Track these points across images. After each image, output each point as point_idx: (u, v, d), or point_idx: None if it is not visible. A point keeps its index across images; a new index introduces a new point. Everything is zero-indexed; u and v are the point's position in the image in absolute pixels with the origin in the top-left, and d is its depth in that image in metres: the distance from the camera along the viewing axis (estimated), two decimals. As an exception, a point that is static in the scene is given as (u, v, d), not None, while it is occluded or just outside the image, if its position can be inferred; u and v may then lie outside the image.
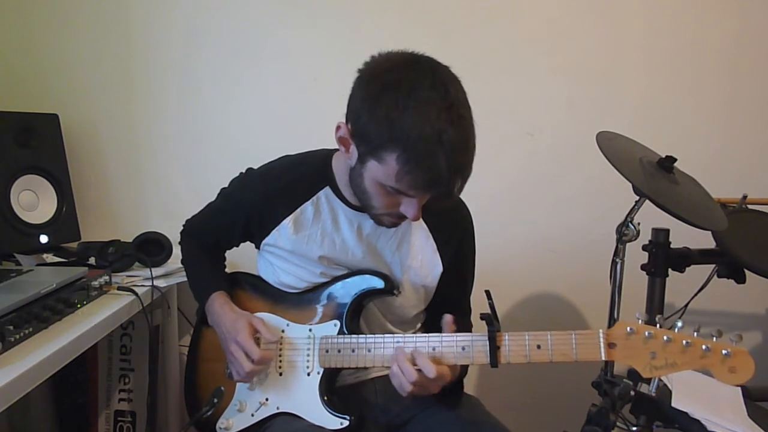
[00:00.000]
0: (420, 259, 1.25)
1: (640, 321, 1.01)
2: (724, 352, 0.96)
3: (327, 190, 1.22)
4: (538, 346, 1.04)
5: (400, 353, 1.08)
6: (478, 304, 1.34)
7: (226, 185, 1.35)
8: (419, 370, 1.05)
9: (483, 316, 1.06)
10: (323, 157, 1.24)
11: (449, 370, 1.07)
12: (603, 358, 1.01)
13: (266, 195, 1.24)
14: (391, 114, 0.96)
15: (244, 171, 1.32)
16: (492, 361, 1.05)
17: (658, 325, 1.01)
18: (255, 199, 1.26)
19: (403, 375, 1.05)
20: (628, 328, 1.00)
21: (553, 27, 1.95)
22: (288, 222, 1.23)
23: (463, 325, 1.33)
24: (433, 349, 1.09)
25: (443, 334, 1.10)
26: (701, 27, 1.94)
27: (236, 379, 1.23)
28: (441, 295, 1.29)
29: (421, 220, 1.23)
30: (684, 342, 0.98)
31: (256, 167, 1.31)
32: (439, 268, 1.26)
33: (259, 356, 1.17)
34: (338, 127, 1.07)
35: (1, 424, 1.82)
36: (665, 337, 0.98)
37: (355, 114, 1.03)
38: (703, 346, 0.97)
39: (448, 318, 1.10)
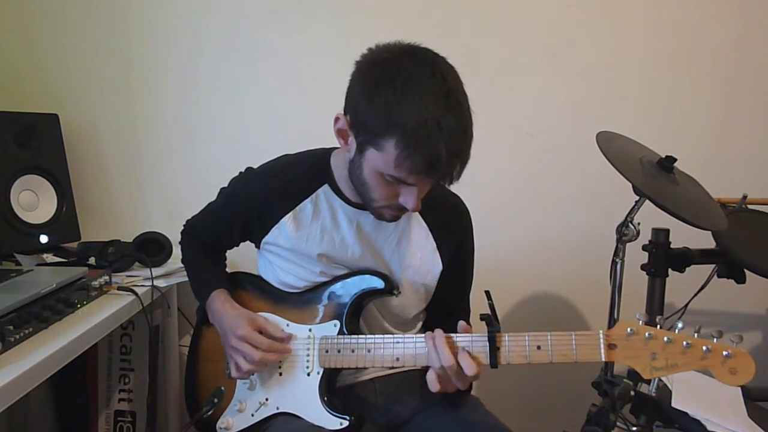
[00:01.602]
0: (419, 257, 1.25)
1: (640, 322, 1.01)
2: (724, 353, 0.96)
3: (326, 187, 1.23)
4: (538, 347, 1.04)
5: (439, 336, 1.07)
6: (477, 304, 1.34)
7: (226, 185, 1.35)
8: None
9: (483, 317, 1.06)
10: (322, 155, 1.25)
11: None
12: (603, 359, 1.01)
13: (265, 194, 1.25)
14: (390, 101, 0.97)
15: (243, 170, 1.33)
16: (492, 362, 1.05)
17: (658, 326, 1.01)
18: (254, 198, 1.26)
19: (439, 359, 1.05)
20: (629, 329, 1.00)
21: (553, 27, 1.95)
22: (287, 220, 1.23)
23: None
24: (434, 349, 1.09)
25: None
26: (701, 27, 1.94)
27: (235, 375, 1.22)
28: (440, 295, 1.29)
29: (420, 219, 1.24)
30: (684, 343, 0.97)
31: (255, 167, 1.31)
32: (439, 267, 1.26)
33: (267, 345, 1.17)
34: (336, 119, 1.07)
35: (1, 424, 1.82)
36: (666, 338, 0.98)
37: (354, 104, 1.03)
38: (704, 347, 0.96)
39: (462, 325, 1.09)
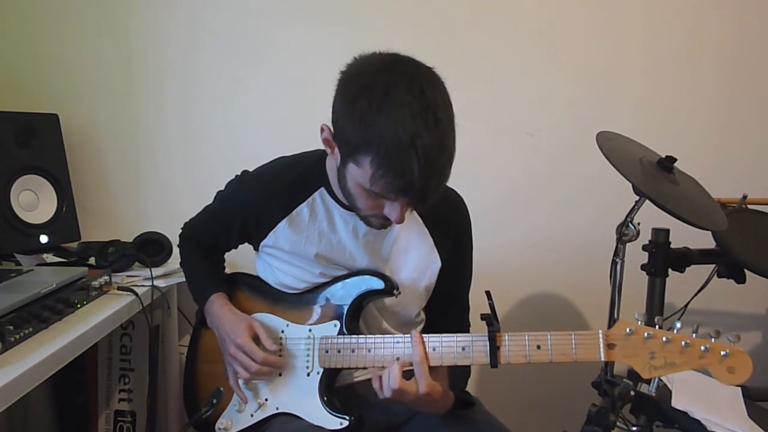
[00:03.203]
0: (417, 255, 1.25)
1: (639, 321, 1.01)
2: (722, 352, 0.96)
3: (322, 191, 1.22)
4: (538, 347, 1.04)
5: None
6: (477, 304, 1.33)
7: (223, 188, 1.35)
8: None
9: (483, 317, 1.06)
10: (318, 158, 1.24)
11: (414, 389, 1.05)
12: (602, 359, 1.01)
13: (262, 197, 1.25)
14: (366, 117, 0.96)
15: (239, 174, 1.33)
16: (492, 362, 1.05)
17: (657, 326, 1.01)
18: (251, 201, 1.26)
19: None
20: (628, 329, 1.01)
21: (553, 27, 1.95)
22: (284, 223, 1.23)
23: (462, 324, 1.33)
24: (434, 349, 1.09)
25: (443, 335, 1.09)
26: (701, 27, 1.94)
27: (233, 384, 1.22)
28: (439, 291, 1.28)
29: (417, 216, 1.24)
30: (683, 342, 0.98)
31: (251, 169, 1.31)
32: (437, 264, 1.26)
33: (262, 357, 1.17)
34: (322, 130, 1.07)
35: (1, 424, 1.82)
36: (664, 338, 0.99)
37: (335, 116, 1.03)
38: (702, 347, 0.97)
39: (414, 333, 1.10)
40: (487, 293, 1.09)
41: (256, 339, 1.20)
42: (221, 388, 1.27)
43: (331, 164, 1.19)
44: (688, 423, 1.18)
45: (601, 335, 1.02)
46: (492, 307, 1.07)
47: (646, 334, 1.00)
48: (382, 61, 1.01)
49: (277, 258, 1.26)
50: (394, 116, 0.94)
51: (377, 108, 0.95)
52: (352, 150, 1.00)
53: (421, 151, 0.94)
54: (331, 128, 1.05)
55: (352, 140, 0.99)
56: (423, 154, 0.94)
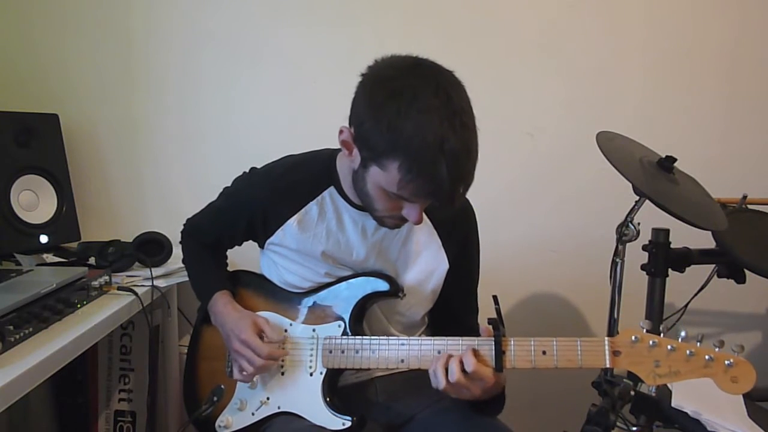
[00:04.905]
0: (425, 256, 1.25)
1: (644, 329, 1.01)
2: (726, 362, 0.96)
3: (331, 189, 1.22)
4: (544, 352, 1.05)
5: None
6: (482, 307, 1.34)
7: (229, 185, 1.34)
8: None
9: (490, 321, 1.06)
10: (327, 157, 1.24)
11: (491, 374, 1.05)
12: (608, 366, 1.01)
13: (271, 194, 1.24)
14: (394, 122, 0.96)
15: (247, 170, 1.32)
16: (497, 366, 1.06)
17: (661, 334, 1.01)
18: (259, 198, 1.25)
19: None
20: (633, 337, 1.01)
21: (552, 27, 1.95)
22: (293, 222, 1.23)
23: (471, 325, 1.33)
24: (438, 352, 1.09)
25: (448, 338, 1.10)
26: (701, 27, 1.94)
27: (238, 377, 1.22)
28: (446, 294, 1.28)
29: (425, 216, 1.23)
30: (688, 352, 0.98)
31: (259, 167, 1.31)
32: (445, 265, 1.26)
33: (266, 352, 1.17)
34: (341, 131, 1.06)
35: (1, 424, 1.82)
36: (669, 347, 0.99)
37: (359, 119, 1.02)
38: (707, 356, 0.97)
39: (484, 327, 1.09)
40: (494, 298, 1.10)
41: (261, 336, 1.20)
42: (222, 386, 1.27)
43: (344, 164, 1.19)
44: (688, 423, 1.18)
45: (606, 342, 1.02)
46: (498, 311, 1.08)
47: (651, 342, 1.00)
48: (407, 65, 1.01)
49: (283, 256, 1.26)
50: (423, 121, 0.94)
51: (406, 113, 0.95)
52: (379, 154, 0.99)
53: (449, 155, 0.95)
54: (352, 131, 1.04)
55: (379, 145, 0.98)
56: (451, 159, 0.95)
